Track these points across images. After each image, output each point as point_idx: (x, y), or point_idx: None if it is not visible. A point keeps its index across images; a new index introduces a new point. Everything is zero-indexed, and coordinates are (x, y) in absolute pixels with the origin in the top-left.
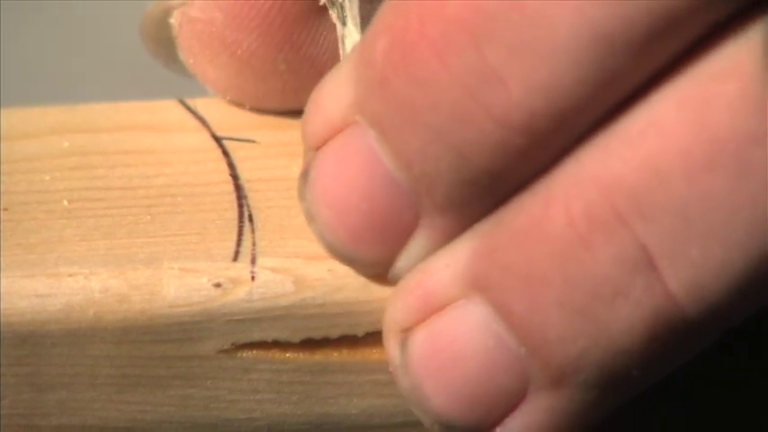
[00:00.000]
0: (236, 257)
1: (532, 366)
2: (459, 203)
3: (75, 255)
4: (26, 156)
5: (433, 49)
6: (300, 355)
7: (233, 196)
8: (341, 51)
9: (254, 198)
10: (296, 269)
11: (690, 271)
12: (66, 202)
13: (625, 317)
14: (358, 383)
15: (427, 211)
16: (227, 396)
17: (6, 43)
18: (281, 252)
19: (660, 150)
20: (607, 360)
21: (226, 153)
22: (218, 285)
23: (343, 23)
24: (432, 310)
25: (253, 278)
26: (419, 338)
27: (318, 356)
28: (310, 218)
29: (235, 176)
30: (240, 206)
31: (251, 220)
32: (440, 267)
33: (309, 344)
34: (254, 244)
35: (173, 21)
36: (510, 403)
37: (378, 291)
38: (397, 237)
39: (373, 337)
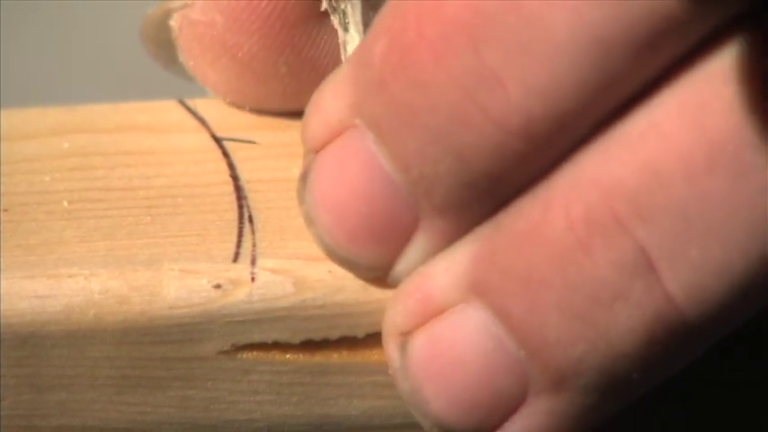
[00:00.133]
0: (236, 259)
1: (532, 370)
2: (458, 206)
3: (76, 256)
4: (26, 156)
5: (431, 50)
6: (300, 356)
7: (233, 197)
8: (342, 57)
9: (254, 199)
10: (296, 270)
11: (689, 273)
12: (66, 203)
13: (624, 320)
14: (358, 385)
15: (426, 213)
16: (227, 397)
17: (6, 43)
18: (281, 253)
19: (660, 153)
20: (607, 363)
21: (226, 154)
22: (218, 287)
23: (345, 29)
24: (431, 313)
25: (253, 279)
26: (419, 342)
27: (318, 358)
28: (309, 221)
29: (235, 177)
30: (240, 207)
31: (251, 221)
32: (439, 271)
33: (309, 345)
34: (254, 245)
35: (173, 23)
36: (509, 407)
37: (378, 292)
38: (397, 240)
39: (373, 339)
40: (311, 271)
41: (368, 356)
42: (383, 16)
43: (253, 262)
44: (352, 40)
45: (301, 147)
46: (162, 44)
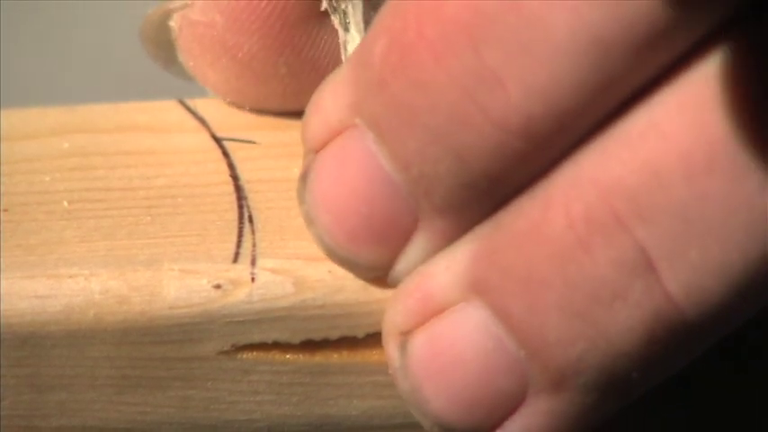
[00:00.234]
0: (236, 259)
1: (532, 369)
2: (457, 206)
3: (76, 256)
4: (26, 156)
5: (431, 50)
6: (300, 356)
7: (233, 197)
8: (343, 57)
9: (254, 199)
10: (296, 270)
11: (689, 273)
12: (66, 203)
13: (624, 319)
14: (358, 385)
15: (426, 213)
16: (227, 397)
17: (6, 43)
18: (281, 253)
19: (660, 152)
20: (606, 363)
21: (226, 154)
22: (218, 287)
23: (346, 29)
24: (431, 313)
25: (253, 279)
26: (419, 341)
27: (318, 358)
28: (309, 221)
29: (235, 177)
30: (240, 207)
31: (251, 221)
32: (439, 270)
33: (309, 345)
34: (254, 245)
35: (173, 24)
36: (509, 406)
37: (378, 292)
38: (397, 240)
39: (373, 339)
40: (311, 271)
41: (368, 356)
42: (383, 16)
43: (253, 262)
44: (352, 39)
45: (301, 147)
46: (162, 45)
